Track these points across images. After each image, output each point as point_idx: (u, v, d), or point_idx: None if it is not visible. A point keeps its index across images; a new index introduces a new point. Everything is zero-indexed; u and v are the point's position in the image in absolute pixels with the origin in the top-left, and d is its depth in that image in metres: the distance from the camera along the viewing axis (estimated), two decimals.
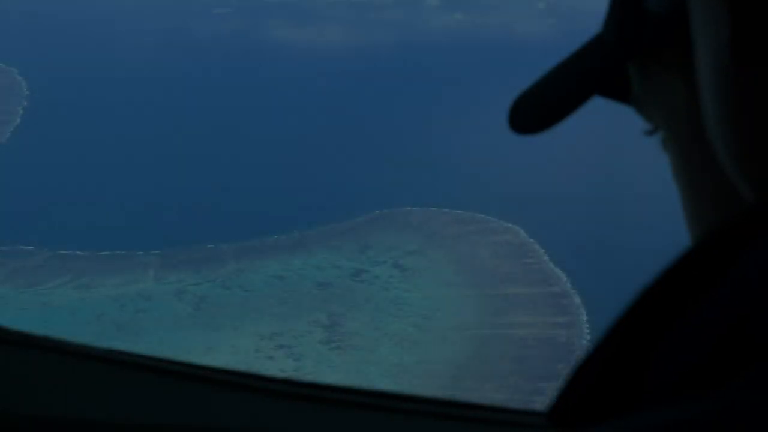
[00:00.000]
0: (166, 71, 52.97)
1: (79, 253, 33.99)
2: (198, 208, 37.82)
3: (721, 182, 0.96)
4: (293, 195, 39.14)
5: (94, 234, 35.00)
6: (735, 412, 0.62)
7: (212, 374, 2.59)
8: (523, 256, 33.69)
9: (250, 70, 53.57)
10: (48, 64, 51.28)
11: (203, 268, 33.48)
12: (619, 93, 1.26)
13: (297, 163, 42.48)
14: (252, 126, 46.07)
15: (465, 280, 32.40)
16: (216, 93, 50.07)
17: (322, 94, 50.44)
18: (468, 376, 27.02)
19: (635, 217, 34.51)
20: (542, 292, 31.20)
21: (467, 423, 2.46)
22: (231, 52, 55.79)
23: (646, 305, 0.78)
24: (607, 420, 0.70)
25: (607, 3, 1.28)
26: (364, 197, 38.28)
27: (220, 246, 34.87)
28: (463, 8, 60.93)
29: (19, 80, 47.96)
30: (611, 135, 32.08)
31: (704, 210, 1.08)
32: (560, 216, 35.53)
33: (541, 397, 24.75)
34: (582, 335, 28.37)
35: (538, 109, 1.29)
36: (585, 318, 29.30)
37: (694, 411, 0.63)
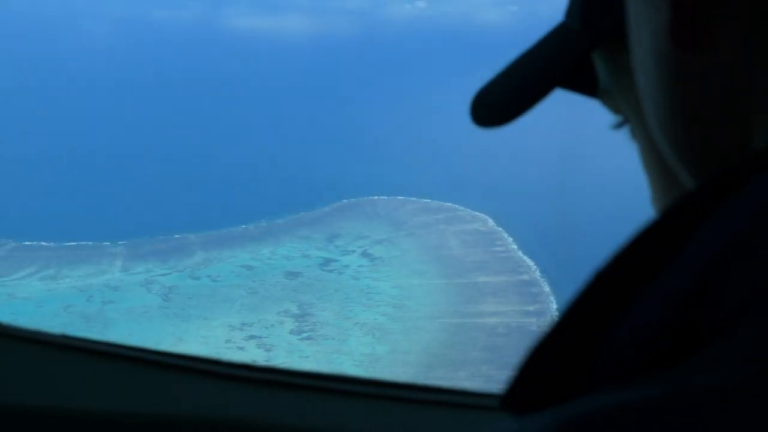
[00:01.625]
0: (128, 60, 52.80)
1: (44, 243, 33.77)
2: (164, 197, 37.72)
3: None
4: (259, 184, 39.13)
5: (59, 224, 34.80)
6: (688, 393, 0.62)
7: (181, 361, 2.55)
8: (492, 244, 33.82)
9: (212, 59, 53.55)
10: (6, 52, 50.94)
11: (171, 258, 33.37)
12: (584, 85, 1.23)
13: (262, 152, 42.48)
14: (216, 116, 46.02)
15: (434, 269, 32.49)
16: (178, 82, 49.95)
17: (286, 84, 50.47)
18: (440, 365, 27.07)
19: (604, 206, 34.66)
20: (512, 281, 31.32)
21: (426, 406, 2.43)
22: (192, 41, 55.73)
23: (598, 288, 0.77)
24: (558, 404, 0.68)
25: None
26: (331, 186, 38.38)
27: (187, 236, 34.77)
28: None
29: None
30: (580, 124, 32.18)
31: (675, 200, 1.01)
32: (529, 204, 35.69)
33: None
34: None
35: (500, 102, 1.24)
36: (555, 306, 29.41)
37: (645, 393, 0.64)
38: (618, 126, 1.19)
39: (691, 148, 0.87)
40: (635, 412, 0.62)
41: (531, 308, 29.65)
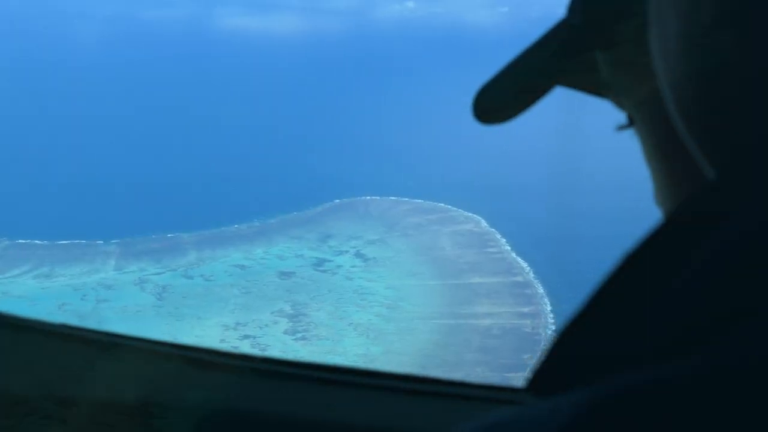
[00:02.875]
0: (122, 60, 52.78)
1: (38, 242, 33.72)
2: (157, 197, 37.69)
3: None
4: (252, 184, 39.13)
5: (52, 223, 34.75)
6: (715, 373, 0.64)
7: (179, 351, 2.54)
8: (485, 245, 33.82)
9: (205, 58, 53.55)
10: None
11: (164, 258, 33.34)
12: (586, 82, 1.24)
13: (256, 152, 42.49)
14: (210, 116, 46.03)
15: (428, 270, 32.48)
16: (171, 82, 49.94)
17: (278, 84, 50.50)
18: (434, 366, 27.06)
19: (596, 207, 34.70)
20: (505, 282, 31.31)
21: (443, 399, 2.42)
22: (184, 41, 55.76)
23: (627, 272, 0.77)
24: (588, 384, 0.69)
25: None
26: (323, 186, 38.38)
27: (181, 235, 34.75)
28: None
29: None
30: (573, 125, 32.24)
31: (680, 190, 1.07)
32: (522, 205, 35.70)
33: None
34: (546, 325, 28.47)
35: (502, 98, 1.26)
36: (549, 308, 29.41)
37: (676, 372, 0.65)
38: (623, 128, 1.19)
39: (716, 134, 0.85)
40: (672, 388, 0.64)
41: (525, 310, 29.63)
